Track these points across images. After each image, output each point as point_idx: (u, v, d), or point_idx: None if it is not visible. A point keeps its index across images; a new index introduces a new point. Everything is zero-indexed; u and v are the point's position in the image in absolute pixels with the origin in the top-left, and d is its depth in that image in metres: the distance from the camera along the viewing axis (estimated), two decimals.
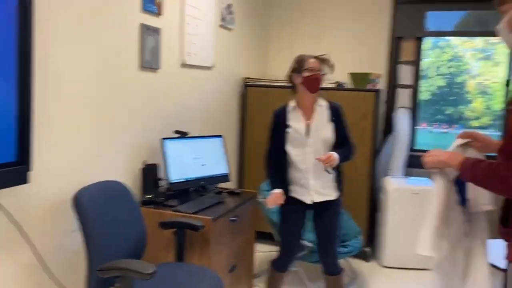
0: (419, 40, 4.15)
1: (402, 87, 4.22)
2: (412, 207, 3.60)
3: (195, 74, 3.23)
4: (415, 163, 4.03)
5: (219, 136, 3.10)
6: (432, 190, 1.62)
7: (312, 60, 2.48)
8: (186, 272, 2.17)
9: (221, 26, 3.54)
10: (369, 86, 3.92)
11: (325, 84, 3.76)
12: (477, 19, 3.96)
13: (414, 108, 4.23)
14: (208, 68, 3.40)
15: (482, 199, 1.60)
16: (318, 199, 2.52)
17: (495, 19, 4.39)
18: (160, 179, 2.71)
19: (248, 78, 4.07)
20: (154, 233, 2.47)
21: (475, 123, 4.29)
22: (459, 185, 1.64)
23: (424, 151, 1.57)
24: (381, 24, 4.18)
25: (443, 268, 1.66)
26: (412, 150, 4.20)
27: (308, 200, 2.52)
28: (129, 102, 2.54)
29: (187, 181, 2.79)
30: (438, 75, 4.30)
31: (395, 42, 4.16)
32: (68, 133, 2.13)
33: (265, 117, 3.90)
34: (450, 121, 4.36)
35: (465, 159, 1.44)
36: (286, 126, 2.50)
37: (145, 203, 2.56)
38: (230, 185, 3.89)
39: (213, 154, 3.00)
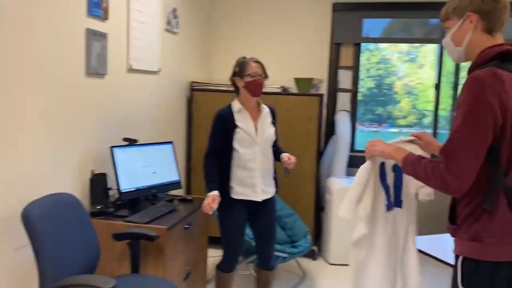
0: (357, 46, 4.35)
1: (342, 91, 4.41)
2: None
3: (142, 79, 3.16)
4: (355, 163, 4.23)
5: (169, 142, 3.06)
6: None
7: (253, 64, 2.52)
8: (143, 283, 2.13)
9: (167, 30, 3.49)
10: (312, 91, 4.05)
11: (271, 88, 3.87)
12: (401, 24, 4.27)
13: (354, 111, 4.44)
14: (155, 72, 3.34)
15: (429, 189, 1.75)
16: (264, 196, 2.60)
17: (417, 25, 4.67)
18: (109, 189, 2.62)
19: (195, 82, 4.04)
20: (106, 245, 2.39)
21: (402, 122, 4.58)
22: (397, 171, 1.77)
23: (363, 151, 1.70)
24: (323, 30, 4.34)
25: (362, 244, 1.78)
26: (352, 150, 4.40)
27: (256, 198, 2.57)
28: (76, 109, 2.44)
29: (138, 190, 2.72)
30: (368, 77, 4.54)
31: (335, 48, 4.33)
32: (12, 143, 2.00)
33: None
34: (380, 120, 4.63)
35: (408, 154, 1.52)
36: (235, 126, 2.53)
37: (95, 214, 2.47)
38: (179, 191, 3.84)
39: (163, 161, 2.95)
